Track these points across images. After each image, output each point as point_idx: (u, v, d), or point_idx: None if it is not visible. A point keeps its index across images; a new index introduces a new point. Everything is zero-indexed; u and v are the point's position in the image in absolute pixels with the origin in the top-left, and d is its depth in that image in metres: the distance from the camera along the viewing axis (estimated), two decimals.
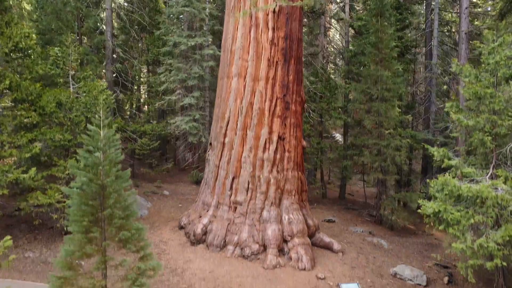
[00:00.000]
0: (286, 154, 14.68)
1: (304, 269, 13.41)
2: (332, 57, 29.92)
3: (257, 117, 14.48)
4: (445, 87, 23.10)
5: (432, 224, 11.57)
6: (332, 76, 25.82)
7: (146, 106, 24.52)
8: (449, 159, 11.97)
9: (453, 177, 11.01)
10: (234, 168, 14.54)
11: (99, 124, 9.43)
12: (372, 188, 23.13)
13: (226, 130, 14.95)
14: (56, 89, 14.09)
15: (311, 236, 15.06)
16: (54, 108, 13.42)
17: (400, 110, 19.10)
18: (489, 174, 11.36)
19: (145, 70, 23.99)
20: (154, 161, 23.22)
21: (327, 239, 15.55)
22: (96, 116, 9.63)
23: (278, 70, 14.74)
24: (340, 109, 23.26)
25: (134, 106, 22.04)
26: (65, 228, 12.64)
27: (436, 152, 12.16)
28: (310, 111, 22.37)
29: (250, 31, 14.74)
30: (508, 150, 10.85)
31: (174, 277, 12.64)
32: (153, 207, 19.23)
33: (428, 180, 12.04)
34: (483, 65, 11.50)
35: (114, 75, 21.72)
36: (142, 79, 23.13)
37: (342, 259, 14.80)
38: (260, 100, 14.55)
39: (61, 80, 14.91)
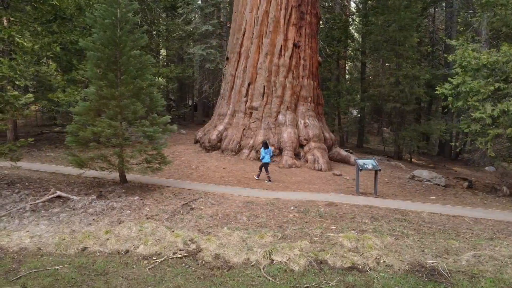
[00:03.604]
0: (302, 61, 14.62)
1: (320, 170, 13.28)
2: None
3: (273, 24, 14.48)
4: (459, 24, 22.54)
5: (451, 104, 11.31)
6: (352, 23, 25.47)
7: (164, 51, 24.85)
8: (469, 43, 11.66)
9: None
10: (250, 75, 14.56)
11: None
12: (391, 147, 22.86)
13: (242, 40, 15.00)
14: None
15: (328, 149, 14.92)
16: (73, 10, 13.69)
17: (418, 40, 18.72)
18: None
19: (163, 16, 24.26)
20: (172, 103, 23.38)
21: (344, 152, 15.40)
22: None
23: None
24: (358, 52, 23.00)
25: (152, 48, 22.24)
26: None
27: (455, 40, 11.87)
28: (327, 55, 22.18)
29: None
30: None
31: (188, 170, 12.70)
32: (169, 138, 19.36)
33: (445, 55, 11.75)
34: None
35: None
36: (161, 26, 23.36)
37: None
38: (275, 9, 14.55)
39: None
